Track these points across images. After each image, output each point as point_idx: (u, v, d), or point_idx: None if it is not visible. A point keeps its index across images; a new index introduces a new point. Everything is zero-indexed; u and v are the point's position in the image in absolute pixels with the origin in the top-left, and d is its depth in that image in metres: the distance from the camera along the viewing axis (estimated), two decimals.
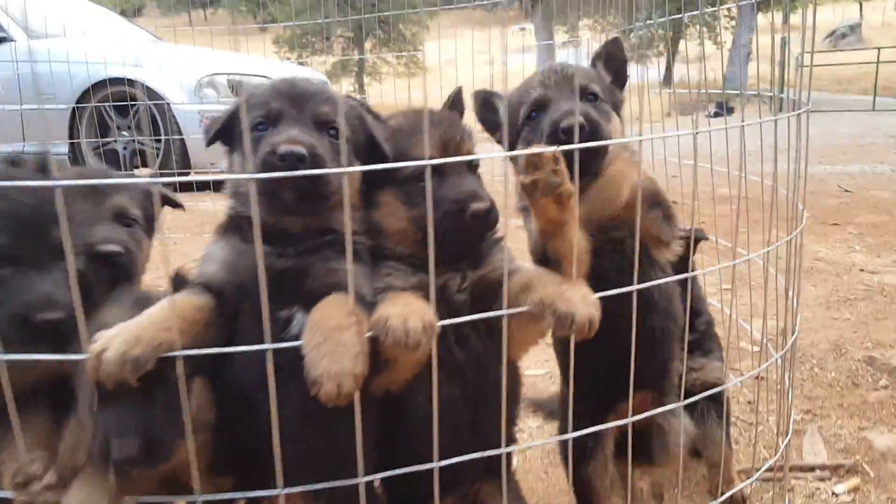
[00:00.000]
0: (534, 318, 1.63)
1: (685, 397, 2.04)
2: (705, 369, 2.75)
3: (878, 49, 22.46)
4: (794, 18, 2.61)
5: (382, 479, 1.65)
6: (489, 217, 1.71)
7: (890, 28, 29.32)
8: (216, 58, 9.40)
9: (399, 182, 1.75)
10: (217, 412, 1.54)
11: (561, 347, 2.26)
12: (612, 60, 2.25)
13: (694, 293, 2.78)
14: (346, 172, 1.37)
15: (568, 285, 1.60)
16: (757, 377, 3.31)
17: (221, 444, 1.56)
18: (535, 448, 2.96)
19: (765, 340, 2.82)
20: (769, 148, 2.14)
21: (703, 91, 2.90)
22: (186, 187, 7.45)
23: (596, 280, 1.72)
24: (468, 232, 1.71)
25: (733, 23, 27.46)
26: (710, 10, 5.65)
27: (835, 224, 6.93)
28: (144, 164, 8.91)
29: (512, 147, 2.13)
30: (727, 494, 2.40)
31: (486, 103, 2.23)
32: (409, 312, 1.43)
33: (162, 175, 7.95)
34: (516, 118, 2.12)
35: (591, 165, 1.90)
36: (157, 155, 8.41)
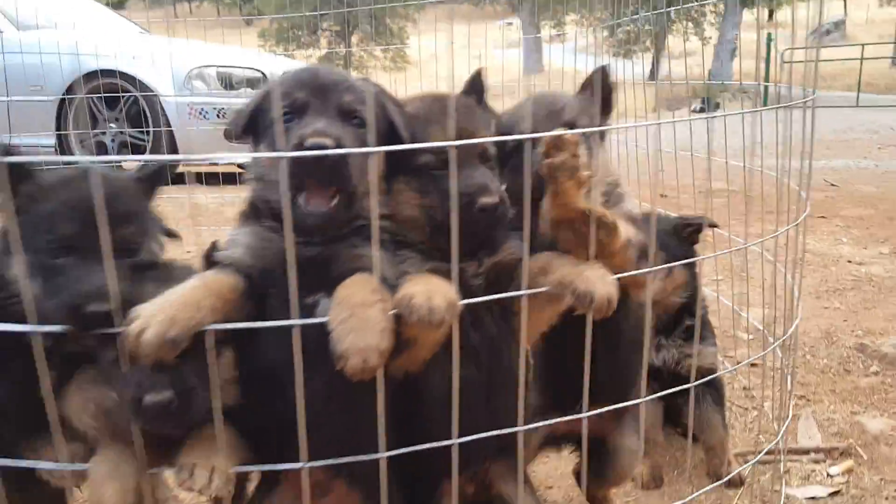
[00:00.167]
0: (552, 299, 1.67)
1: (681, 383, 2.09)
2: (701, 355, 2.81)
3: (862, 45, 22.69)
4: (780, 15, 2.66)
5: (395, 464, 1.68)
6: (497, 211, 1.72)
7: (874, 25, 29.67)
8: (205, 50, 9.34)
9: (412, 170, 1.77)
10: (241, 392, 1.57)
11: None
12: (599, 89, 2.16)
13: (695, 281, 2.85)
14: (372, 153, 1.40)
15: (585, 265, 1.64)
16: (753, 364, 3.37)
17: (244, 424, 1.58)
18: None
19: (763, 328, 2.88)
20: (771, 139, 2.19)
21: (697, 82, 2.95)
22: (178, 180, 7.41)
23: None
24: (476, 225, 1.72)
25: (719, 19, 27.68)
26: (696, 3, 5.70)
27: (821, 217, 7.04)
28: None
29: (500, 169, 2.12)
30: (727, 478, 2.46)
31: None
32: (433, 291, 1.46)
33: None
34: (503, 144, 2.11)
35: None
36: (147, 147, 8.35)
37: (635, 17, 4.44)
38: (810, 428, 3.00)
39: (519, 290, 1.62)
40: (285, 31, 29.19)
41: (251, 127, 1.75)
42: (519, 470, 1.88)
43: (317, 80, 1.68)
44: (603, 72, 2.20)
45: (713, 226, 2.77)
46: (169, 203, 2.26)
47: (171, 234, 1.74)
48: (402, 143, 1.73)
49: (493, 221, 1.75)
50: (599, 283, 1.57)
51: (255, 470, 1.55)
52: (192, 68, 8.95)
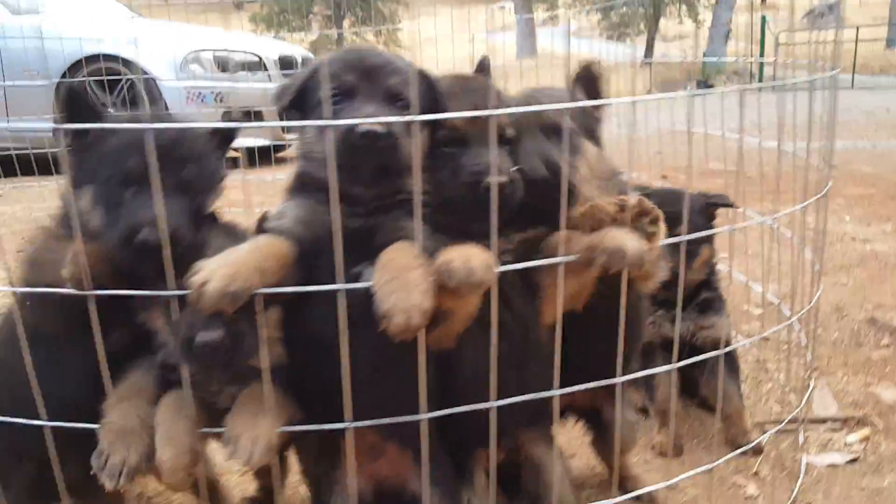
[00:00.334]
0: (583, 265, 1.69)
1: (694, 354, 2.12)
2: (716, 327, 2.85)
3: (857, 27, 22.69)
4: None
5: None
6: (506, 191, 1.72)
7: (867, 7, 29.67)
8: (202, 34, 9.27)
9: (429, 147, 1.79)
10: (288, 358, 1.60)
11: None
12: (590, 83, 2.13)
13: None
14: (416, 120, 1.41)
15: (609, 228, 1.69)
16: (765, 338, 3.40)
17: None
18: None
19: (779, 302, 2.90)
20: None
21: (691, 59, 2.95)
22: None
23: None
24: (484, 203, 1.70)
25: (713, 1, 27.61)
26: None
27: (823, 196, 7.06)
28: None
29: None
30: (750, 445, 2.48)
31: None
32: (470, 254, 1.48)
33: None
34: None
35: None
36: None
37: None
38: (826, 398, 3.04)
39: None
40: (277, 16, 28.98)
41: (298, 103, 1.79)
42: (554, 433, 1.90)
43: (364, 62, 1.72)
44: (593, 66, 2.15)
45: (726, 205, 2.80)
46: None
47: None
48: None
49: (501, 200, 1.75)
50: (628, 238, 1.63)
51: (301, 430, 1.57)
52: (189, 52, 8.88)
